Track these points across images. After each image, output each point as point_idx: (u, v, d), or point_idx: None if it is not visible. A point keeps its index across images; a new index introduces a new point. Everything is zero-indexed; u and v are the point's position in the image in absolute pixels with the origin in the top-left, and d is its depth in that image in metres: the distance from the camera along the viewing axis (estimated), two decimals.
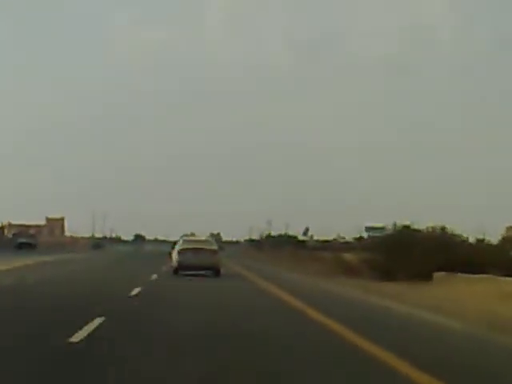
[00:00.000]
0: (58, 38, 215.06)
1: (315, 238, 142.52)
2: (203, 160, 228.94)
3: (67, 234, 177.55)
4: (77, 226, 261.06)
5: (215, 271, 35.02)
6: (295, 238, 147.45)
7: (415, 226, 43.95)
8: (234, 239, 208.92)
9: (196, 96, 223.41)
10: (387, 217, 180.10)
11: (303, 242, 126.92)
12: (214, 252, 35.37)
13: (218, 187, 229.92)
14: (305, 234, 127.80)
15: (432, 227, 42.96)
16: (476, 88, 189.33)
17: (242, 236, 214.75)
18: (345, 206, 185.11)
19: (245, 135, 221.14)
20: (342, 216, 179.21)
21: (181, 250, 35.04)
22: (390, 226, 51.50)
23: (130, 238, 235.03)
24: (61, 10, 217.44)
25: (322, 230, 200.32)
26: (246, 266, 52.69)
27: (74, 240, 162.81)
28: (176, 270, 34.95)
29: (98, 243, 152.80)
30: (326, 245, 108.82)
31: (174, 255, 35.69)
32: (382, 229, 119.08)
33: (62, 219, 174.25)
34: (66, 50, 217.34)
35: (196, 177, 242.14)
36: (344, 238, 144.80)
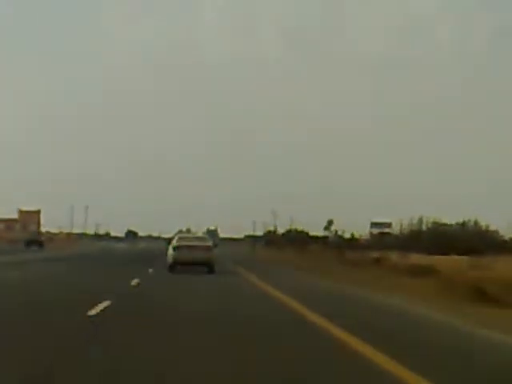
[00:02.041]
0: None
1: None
2: (202, 155, 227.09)
3: (43, 228, 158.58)
4: (63, 221, 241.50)
5: (209, 267, 35.70)
6: (306, 233, 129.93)
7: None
8: (234, 236, 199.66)
9: (192, 84, 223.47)
10: (390, 213, 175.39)
11: (324, 237, 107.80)
12: (208, 248, 36.23)
13: (216, 182, 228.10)
14: (327, 228, 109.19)
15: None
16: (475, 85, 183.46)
17: (240, 232, 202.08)
18: (346, 201, 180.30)
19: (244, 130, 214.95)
20: (341, 211, 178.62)
21: (176, 246, 35.95)
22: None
23: (123, 234, 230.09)
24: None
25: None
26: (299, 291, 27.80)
27: (51, 236, 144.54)
28: (171, 266, 35.78)
29: (33, 239, 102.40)
30: (352, 242, 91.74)
31: (170, 251, 36.43)
32: (388, 224, 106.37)
33: (38, 212, 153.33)
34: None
35: (193, 171, 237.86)
36: (353, 235, 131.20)
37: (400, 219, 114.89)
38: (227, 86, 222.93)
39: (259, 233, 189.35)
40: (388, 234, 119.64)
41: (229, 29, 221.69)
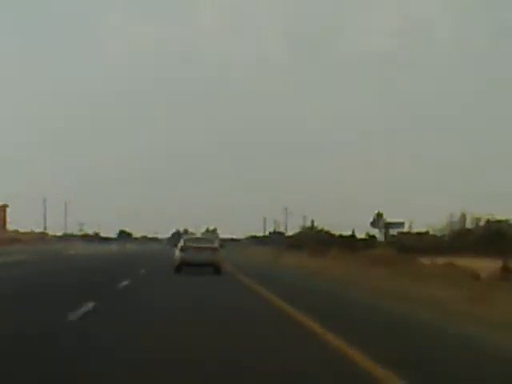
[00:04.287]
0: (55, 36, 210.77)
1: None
2: (200, 154, 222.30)
3: (12, 227, 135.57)
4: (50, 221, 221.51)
5: (216, 268, 36.08)
6: (326, 232, 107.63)
7: None
8: (234, 236, 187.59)
9: (191, 83, 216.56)
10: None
11: (369, 238, 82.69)
12: (215, 249, 36.71)
13: (213, 181, 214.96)
14: (375, 224, 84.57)
15: None
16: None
17: (240, 233, 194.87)
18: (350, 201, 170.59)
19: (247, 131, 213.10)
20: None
21: (183, 247, 36.33)
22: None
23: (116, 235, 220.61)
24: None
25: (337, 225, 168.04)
26: None
27: (18, 236, 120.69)
28: (178, 267, 35.90)
29: None
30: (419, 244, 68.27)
31: (176, 252, 36.82)
32: (401, 224, 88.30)
33: (4, 208, 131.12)
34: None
35: (190, 170, 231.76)
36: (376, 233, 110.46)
37: (410, 218, 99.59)
38: (227, 85, 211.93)
39: (260, 233, 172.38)
40: (425, 233, 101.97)
41: (229, 29, 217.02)
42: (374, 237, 79.72)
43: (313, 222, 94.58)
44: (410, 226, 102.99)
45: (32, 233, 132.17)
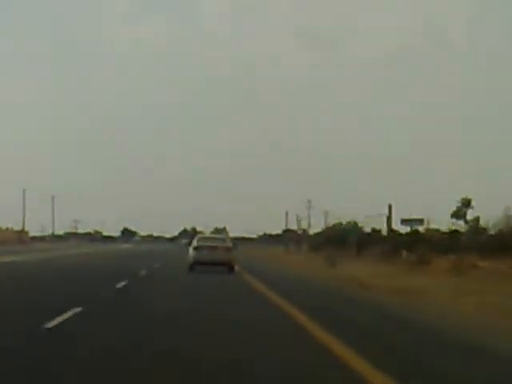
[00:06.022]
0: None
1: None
2: (204, 154, 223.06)
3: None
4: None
5: (229, 267, 37.04)
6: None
7: None
8: (245, 235, 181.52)
9: (191, 83, 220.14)
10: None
11: (451, 234, 64.15)
12: (228, 249, 37.56)
13: (223, 180, 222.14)
14: (459, 214, 63.59)
15: None
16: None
17: (251, 231, 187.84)
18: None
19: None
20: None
21: (196, 247, 37.26)
22: None
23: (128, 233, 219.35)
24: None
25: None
26: None
27: None
28: (192, 266, 36.97)
29: None
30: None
31: (190, 251, 37.65)
32: (419, 221, 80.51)
33: None
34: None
35: (197, 169, 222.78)
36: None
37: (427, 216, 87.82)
38: (227, 85, 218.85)
39: (277, 231, 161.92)
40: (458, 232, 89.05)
41: (230, 29, 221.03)
42: (456, 232, 62.75)
43: (390, 207, 70.44)
44: (428, 223, 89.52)
45: (10, 231, 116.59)
